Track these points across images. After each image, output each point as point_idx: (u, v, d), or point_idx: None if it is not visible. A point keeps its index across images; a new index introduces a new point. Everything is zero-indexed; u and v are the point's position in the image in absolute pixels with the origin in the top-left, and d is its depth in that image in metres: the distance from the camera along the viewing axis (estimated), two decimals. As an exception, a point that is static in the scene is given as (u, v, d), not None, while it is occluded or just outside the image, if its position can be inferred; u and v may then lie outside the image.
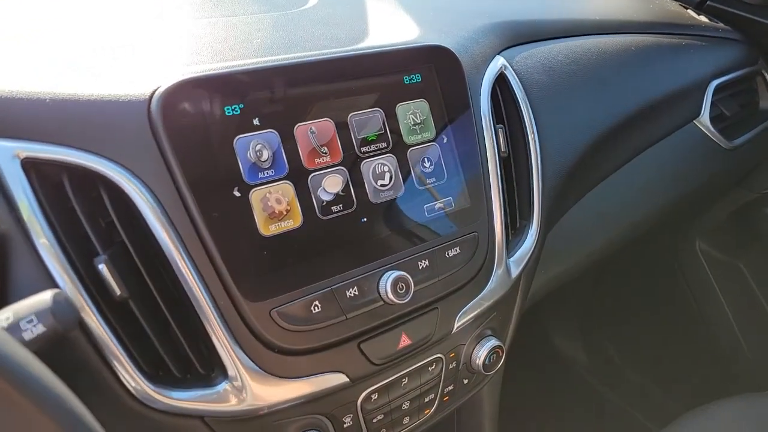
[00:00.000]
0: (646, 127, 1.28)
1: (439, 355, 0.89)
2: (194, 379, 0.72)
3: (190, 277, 0.68)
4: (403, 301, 0.79)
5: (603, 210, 1.26)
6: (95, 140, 0.66)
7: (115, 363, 0.66)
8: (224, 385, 0.71)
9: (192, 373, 0.72)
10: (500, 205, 0.94)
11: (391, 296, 0.78)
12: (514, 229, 1.02)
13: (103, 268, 0.65)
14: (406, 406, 0.89)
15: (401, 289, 0.79)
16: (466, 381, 0.97)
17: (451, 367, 0.92)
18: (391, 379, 0.85)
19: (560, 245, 1.17)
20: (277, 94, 0.75)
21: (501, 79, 1.02)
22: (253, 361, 0.72)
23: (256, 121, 0.73)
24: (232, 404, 0.71)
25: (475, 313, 0.91)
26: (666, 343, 2.21)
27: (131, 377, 0.67)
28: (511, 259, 0.97)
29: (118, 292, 0.66)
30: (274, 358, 0.73)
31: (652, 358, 2.23)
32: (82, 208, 0.67)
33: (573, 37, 1.23)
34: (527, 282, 1.04)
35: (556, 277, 1.22)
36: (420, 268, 0.83)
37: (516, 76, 1.04)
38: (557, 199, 1.09)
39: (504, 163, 1.00)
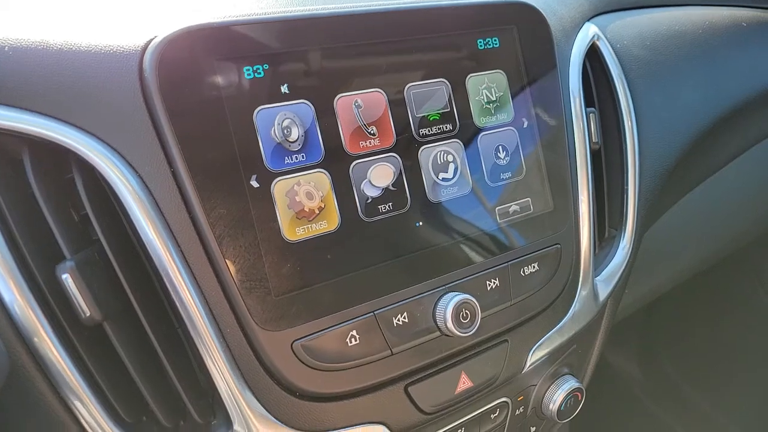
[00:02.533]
0: (760, 118, 1.05)
1: (504, 400, 0.70)
2: (188, 430, 0.54)
3: (187, 294, 0.51)
4: (467, 333, 0.60)
5: (702, 217, 1.04)
6: (67, 104, 0.49)
7: (78, 406, 0.49)
8: None
9: (186, 421, 0.55)
10: (589, 208, 0.74)
11: (451, 326, 0.59)
12: (602, 240, 0.82)
13: (67, 278, 0.48)
14: (460, 461, 0.70)
15: (465, 318, 0.60)
16: (533, 429, 0.78)
17: (518, 413, 0.73)
18: (444, 430, 0.66)
19: (649, 259, 0.96)
20: (313, 55, 0.56)
21: (592, 52, 0.82)
22: (265, 409, 0.54)
23: (284, 89, 0.55)
24: (236, 464, 0.54)
25: (553, 346, 0.71)
26: (739, 368, 1.97)
27: (100, 427, 0.50)
28: (599, 278, 0.77)
29: (86, 312, 0.49)
30: (294, 405, 0.55)
31: (720, 383, 2.00)
32: (46, 195, 0.49)
33: (675, 6, 1.00)
34: (614, 307, 0.84)
35: (640, 299, 1.01)
36: (488, 289, 0.64)
37: (611, 49, 0.83)
38: (653, 204, 0.88)
39: (594, 157, 0.79)
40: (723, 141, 1.00)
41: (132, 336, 0.52)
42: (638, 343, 2.17)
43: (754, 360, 1.98)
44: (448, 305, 0.60)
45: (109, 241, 0.50)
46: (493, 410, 0.69)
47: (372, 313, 0.57)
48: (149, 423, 0.53)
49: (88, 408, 0.49)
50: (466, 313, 0.60)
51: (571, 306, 0.72)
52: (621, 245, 0.80)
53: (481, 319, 0.62)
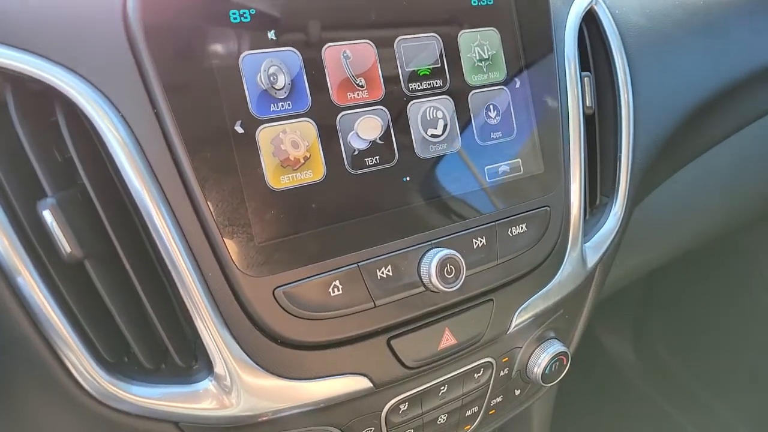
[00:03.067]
0: (760, 95, 1.03)
1: (489, 360, 0.70)
2: (169, 372, 0.55)
3: (169, 237, 0.51)
4: (451, 289, 0.60)
5: (696, 193, 1.03)
6: (51, 43, 0.49)
7: (61, 345, 0.50)
8: (207, 383, 0.54)
9: (167, 364, 0.55)
10: (580, 173, 0.73)
11: (436, 281, 0.59)
12: (593, 207, 0.81)
13: (47, 214, 0.48)
14: (442, 419, 0.70)
15: (449, 273, 0.60)
16: (518, 392, 0.78)
17: (502, 374, 0.73)
18: (426, 386, 0.66)
19: (641, 232, 0.95)
20: (301, 2, 0.56)
21: (589, 17, 0.81)
22: (247, 355, 0.54)
23: (271, 35, 0.54)
24: (216, 408, 0.54)
25: (539, 309, 0.71)
26: (736, 354, 1.97)
27: (82, 365, 0.50)
28: (588, 244, 0.77)
29: (67, 249, 0.49)
30: (275, 352, 0.55)
31: (716, 369, 2.00)
32: (29, 133, 0.49)
33: (678, -25, 0.99)
34: (603, 275, 0.84)
35: (630, 273, 1.00)
36: (475, 247, 0.64)
37: (609, 14, 0.82)
38: (646, 175, 0.87)
39: (587, 122, 0.79)
40: (721, 115, 0.99)
41: (114, 277, 0.52)
42: (633, 328, 2.17)
43: (749, 346, 1.98)
44: (432, 260, 0.59)
45: (92, 181, 0.50)
46: (477, 370, 0.69)
47: (356, 265, 0.57)
48: (130, 364, 0.53)
49: (69, 346, 0.49)
50: (450, 268, 0.60)
51: (558, 270, 0.72)
52: (612, 212, 0.80)
53: (467, 276, 0.62)
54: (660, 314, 2.15)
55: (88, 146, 0.51)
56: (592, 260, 0.77)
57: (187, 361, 0.55)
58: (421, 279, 0.60)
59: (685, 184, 1.00)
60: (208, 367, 0.54)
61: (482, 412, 0.74)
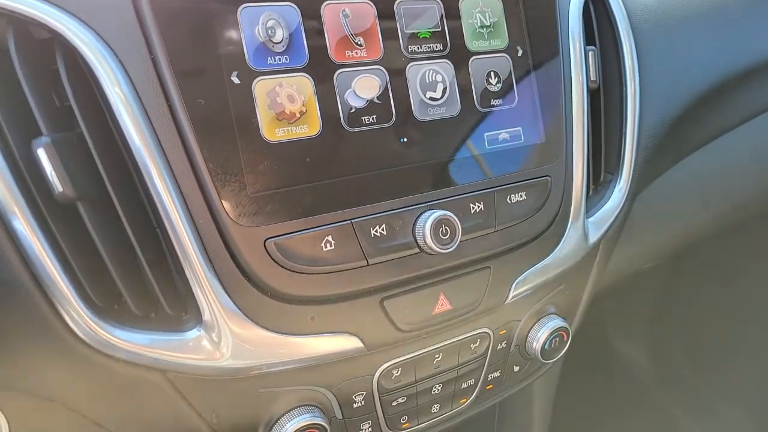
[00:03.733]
0: (774, 82, 1.01)
1: (485, 330, 0.69)
2: (159, 321, 0.54)
3: (162, 183, 0.51)
4: (446, 250, 0.59)
5: (704, 180, 1.01)
6: None
7: (51, 286, 0.50)
8: (196, 333, 0.54)
9: (158, 313, 0.55)
10: (583, 146, 0.72)
11: (430, 242, 0.59)
12: (597, 184, 0.80)
13: (42, 153, 0.49)
14: (437, 390, 0.69)
15: (444, 234, 0.59)
16: (517, 368, 0.76)
17: (500, 347, 0.72)
18: (420, 353, 0.65)
19: (646, 217, 0.93)
20: None
21: None
22: (237, 306, 0.54)
23: (270, -13, 0.55)
24: (204, 359, 0.54)
25: (538, 281, 0.70)
26: (754, 362, 1.92)
27: (71, 307, 0.50)
28: (591, 219, 0.76)
29: (59, 188, 0.49)
30: (266, 305, 0.55)
31: (732, 376, 1.95)
32: (28, 75, 0.50)
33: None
34: (606, 253, 0.82)
35: (634, 259, 0.98)
36: (472, 212, 0.63)
37: (616, -8, 0.82)
38: (653, 156, 0.86)
39: (592, 97, 0.78)
40: (731, 102, 0.98)
41: (107, 221, 0.52)
42: (646, 332, 2.13)
43: (765, 352, 1.93)
44: (427, 220, 0.59)
45: (89, 126, 0.51)
46: (473, 340, 0.68)
47: (349, 221, 0.57)
48: (120, 311, 0.53)
49: (59, 288, 0.50)
50: (446, 229, 0.60)
51: (559, 243, 0.71)
52: (617, 188, 0.78)
53: (464, 242, 0.62)
54: (675, 319, 2.11)
55: (86, 93, 0.51)
56: (594, 236, 0.75)
57: (178, 310, 0.55)
58: (415, 240, 0.60)
59: (692, 171, 0.99)
60: (198, 318, 0.54)
61: (479, 385, 0.73)
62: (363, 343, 0.59)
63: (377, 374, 0.63)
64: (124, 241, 0.52)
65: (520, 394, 0.92)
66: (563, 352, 0.75)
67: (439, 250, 0.59)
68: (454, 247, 0.59)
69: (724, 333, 1.96)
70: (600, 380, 2.09)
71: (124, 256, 0.53)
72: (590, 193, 0.79)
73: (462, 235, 0.61)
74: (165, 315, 0.55)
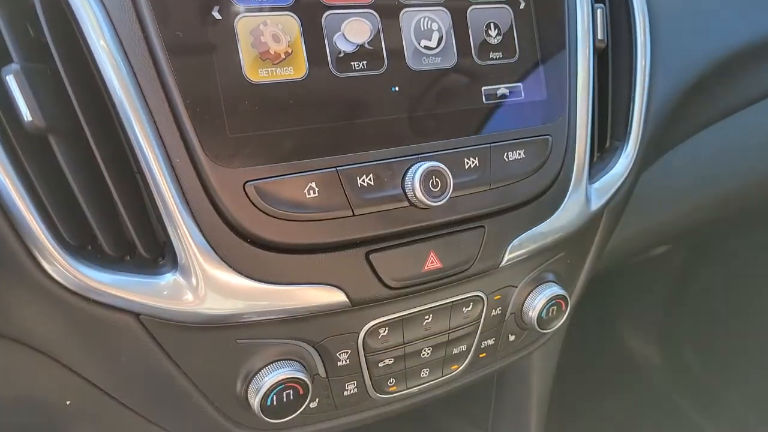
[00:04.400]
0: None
1: (479, 294, 0.66)
2: (133, 264, 0.53)
3: (137, 119, 0.49)
4: (436, 203, 0.57)
5: (716, 158, 0.97)
6: None
7: (20, 221, 0.48)
8: (172, 277, 0.52)
9: (133, 256, 0.53)
10: (588, 107, 0.69)
11: (419, 194, 0.56)
12: (602, 151, 0.77)
13: (11, 80, 0.47)
14: (426, 353, 0.67)
15: (435, 187, 0.57)
16: (512, 337, 0.74)
17: (494, 313, 0.69)
18: (408, 312, 0.63)
19: (650, 194, 0.90)
20: None
21: None
22: (214, 250, 0.52)
23: None
24: (179, 303, 0.52)
25: (536, 246, 0.67)
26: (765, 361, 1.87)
27: (41, 243, 0.49)
28: (595, 185, 0.72)
29: (28, 116, 0.47)
30: (244, 251, 0.53)
31: (746, 375, 1.90)
32: (2, 2, 0.48)
33: None
34: (610, 224, 0.79)
35: (637, 237, 0.94)
36: (466, 167, 0.61)
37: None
38: (662, 128, 0.82)
39: (600, 59, 0.75)
40: (750, 75, 0.94)
41: (80, 157, 0.50)
42: (659, 328, 2.08)
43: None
44: (417, 171, 0.56)
45: (62, 57, 0.49)
46: (465, 303, 0.66)
47: (334, 169, 0.55)
48: (94, 252, 0.52)
49: (29, 222, 0.48)
50: (436, 181, 0.57)
51: (559, 206, 0.68)
52: (624, 154, 0.75)
53: (456, 198, 0.59)
54: (689, 315, 2.05)
55: (61, 25, 0.50)
56: (597, 203, 0.72)
57: (154, 254, 0.53)
58: (404, 192, 0.57)
59: (703, 148, 0.95)
60: (174, 262, 0.52)
61: (471, 352, 0.70)
62: (348, 297, 0.57)
63: (363, 332, 0.61)
64: (98, 179, 0.51)
65: (518, 372, 0.89)
66: (561, 321, 0.72)
67: (428, 202, 0.56)
68: (444, 201, 0.57)
69: (737, 328, 1.91)
70: (609, 376, 2.05)
71: (99, 194, 0.51)
72: (595, 158, 0.75)
73: (454, 190, 0.58)
74: (141, 258, 0.53)
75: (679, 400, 1.99)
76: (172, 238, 0.51)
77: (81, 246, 0.51)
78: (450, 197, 0.58)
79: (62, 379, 0.58)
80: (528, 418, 0.91)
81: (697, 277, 1.92)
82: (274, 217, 0.52)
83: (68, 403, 0.59)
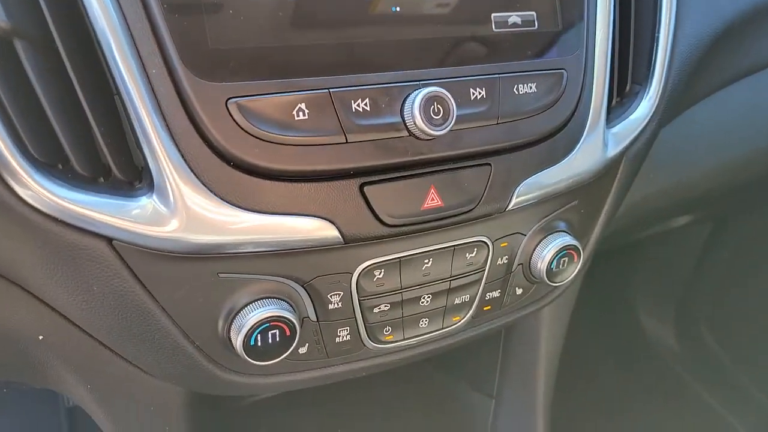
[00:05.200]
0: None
1: (483, 239, 0.62)
2: (107, 187, 0.49)
3: (110, 25, 0.45)
4: (437, 132, 0.52)
5: (744, 116, 0.90)
6: None
7: None
8: (148, 200, 0.48)
9: (107, 178, 0.49)
10: (607, 42, 0.64)
11: (419, 121, 0.51)
12: (621, 96, 0.71)
13: None
14: (425, 301, 0.62)
15: (436, 114, 0.52)
16: (519, 291, 0.69)
17: (500, 262, 0.64)
18: (406, 254, 0.58)
19: (673, 152, 0.84)
20: None
21: None
22: (193, 172, 0.48)
23: None
24: (154, 229, 0.48)
25: (547, 190, 0.62)
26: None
27: (6, 158, 0.45)
28: (613, 130, 0.67)
29: None
30: (226, 174, 0.49)
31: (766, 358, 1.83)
32: None
33: None
34: (628, 176, 0.73)
35: (658, 197, 0.88)
36: (472, 98, 0.56)
37: None
38: (686, 77, 0.77)
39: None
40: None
41: (49, 66, 0.46)
42: (676, 310, 2.02)
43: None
44: (417, 96, 0.52)
45: None
46: (469, 248, 0.61)
47: (327, 90, 0.50)
48: (65, 171, 0.48)
49: None
50: (438, 108, 0.52)
51: (573, 149, 0.63)
52: (646, 97, 0.69)
53: (461, 131, 0.55)
54: (706, 296, 1.99)
55: None
56: (615, 149, 0.67)
57: (130, 176, 0.49)
58: (403, 120, 0.53)
59: (730, 104, 0.88)
60: (152, 185, 0.48)
61: (475, 304, 0.65)
62: (340, 232, 0.53)
63: (357, 273, 0.57)
64: (69, 91, 0.47)
65: (526, 334, 0.84)
66: (573, 275, 0.67)
67: (429, 131, 0.52)
68: (446, 130, 0.52)
69: (758, 312, 1.84)
70: (628, 363, 1.99)
71: (70, 109, 0.47)
72: (613, 103, 0.70)
73: (458, 123, 0.53)
74: (116, 181, 0.49)
75: (694, 383, 1.93)
76: (147, 156, 0.47)
77: (50, 164, 0.47)
78: (453, 129, 0.53)
79: (35, 311, 0.55)
80: (535, 384, 0.87)
81: (719, 256, 1.86)
82: (258, 138, 0.48)
83: (41, 338, 0.56)
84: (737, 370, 1.89)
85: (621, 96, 0.71)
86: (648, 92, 0.70)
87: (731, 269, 1.89)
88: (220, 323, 0.54)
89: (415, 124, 0.52)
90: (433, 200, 0.56)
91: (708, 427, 1.82)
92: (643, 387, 1.96)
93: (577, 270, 0.67)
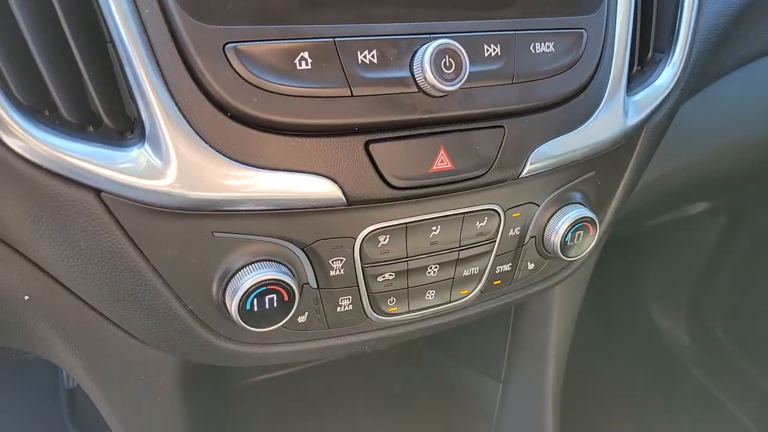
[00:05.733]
0: None
1: (494, 208, 0.58)
2: (97, 136, 0.46)
3: None
4: (449, 87, 0.49)
5: (754, 100, 0.86)
6: None
7: None
8: (139, 150, 0.45)
9: (97, 127, 0.46)
10: (629, 4, 0.61)
11: (430, 76, 0.48)
12: (643, 64, 0.68)
13: None
14: (432, 272, 0.59)
15: (448, 68, 0.49)
16: (532, 265, 0.66)
17: (512, 234, 0.61)
18: (413, 219, 0.55)
19: (693, 128, 0.80)
20: None
21: None
22: (187, 121, 0.45)
23: None
24: (145, 181, 0.45)
25: (563, 157, 0.59)
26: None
27: None
28: (634, 98, 0.64)
29: None
30: (222, 124, 0.46)
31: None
32: None
33: None
34: (648, 148, 0.70)
35: (675, 175, 0.84)
36: (485, 54, 0.53)
37: None
38: (711, 47, 0.73)
39: None
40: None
41: (37, 5, 0.43)
42: (688, 306, 1.98)
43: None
44: (427, 49, 0.49)
45: None
46: (479, 217, 0.58)
47: (331, 39, 0.47)
48: (50, 118, 0.45)
49: None
50: (450, 62, 0.49)
51: (592, 115, 0.60)
52: (668, 65, 0.66)
53: (473, 89, 0.51)
54: (720, 293, 1.95)
55: None
56: (635, 116, 0.63)
57: (120, 125, 0.46)
58: (413, 75, 0.49)
59: (758, 81, 0.84)
60: (143, 136, 0.45)
61: (484, 277, 0.62)
62: (343, 192, 0.50)
63: (360, 238, 0.54)
64: (58, 33, 0.44)
65: (536, 314, 0.81)
66: (589, 249, 0.64)
67: (440, 86, 0.48)
68: (458, 86, 0.49)
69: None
70: (639, 359, 1.96)
71: (58, 51, 0.44)
72: (634, 70, 0.67)
73: (471, 80, 0.50)
74: (106, 130, 0.46)
75: (706, 380, 1.90)
76: (138, 103, 0.44)
77: (36, 110, 0.44)
78: (465, 87, 0.50)
79: (20, 269, 0.52)
80: (545, 368, 0.84)
81: (733, 251, 1.81)
82: (257, 87, 0.45)
83: (27, 298, 0.54)
84: (750, 367, 1.85)
85: (642, 65, 0.68)
86: (671, 60, 0.67)
87: (746, 264, 1.85)
88: (215, 286, 0.51)
89: (425, 78, 0.49)
90: (442, 162, 0.53)
91: (720, 424, 1.78)
92: (653, 383, 1.93)
93: (592, 244, 0.63)
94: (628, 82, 0.63)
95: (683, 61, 0.67)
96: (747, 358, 1.85)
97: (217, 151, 0.46)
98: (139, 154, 0.45)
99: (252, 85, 0.45)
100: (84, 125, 0.45)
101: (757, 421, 1.74)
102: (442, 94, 0.50)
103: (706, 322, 1.95)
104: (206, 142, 0.45)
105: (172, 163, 0.45)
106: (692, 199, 1.17)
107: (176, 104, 0.44)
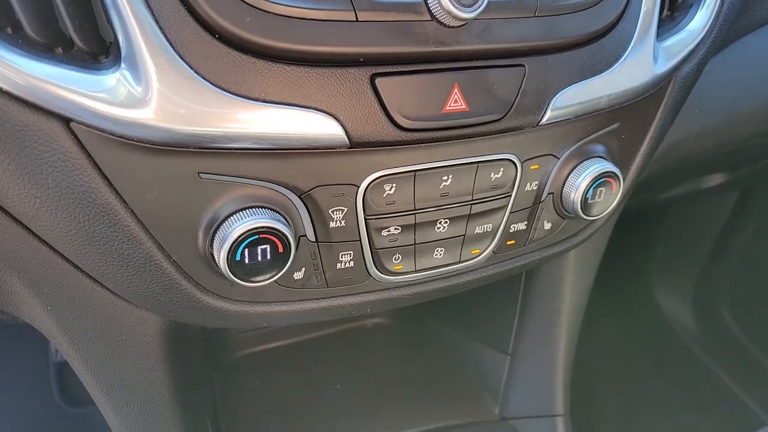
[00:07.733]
0: None
1: (511, 158, 0.53)
2: (67, 57, 0.40)
3: None
4: (466, 14, 0.43)
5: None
6: None
7: None
8: (113, 74, 0.40)
9: (67, 49, 0.41)
10: None
11: (447, 1, 0.43)
12: (672, 10, 0.62)
13: None
14: (442, 227, 0.54)
15: (465, -7, 0.43)
16: (548, 225, 0.60)
17: (528, 188, 0.56)
18: (422, 166, 0.50)
19: (720, 85, 0.75)
20: None
21: None
22: (170, 43, 0.40)
23: None
24: (120, 109, 0.40)
25: (586, 105, 0.53)
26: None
27: None
28: (664, 44, 0.58)
29: None
30: (211, 48, 0.40)
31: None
32: None
33: None
34: (677, 99, 0.64)
35: (700, 134, 0.79)
36: None
37: None
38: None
39: None
40: None
41: None
42: (694, 288, 1.94)
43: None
44: (443, -28, 0.43)
45: None
46: (494, 167, 0.53)
47: None
48: (14, 36, 0.39)
49: None
50: (468, -12, 0.44)
51: (619, 58, 0.54)
52: (701, 9, 0.60)
53: (492, 20, 0.46)
54: (727, 275, 1.91)
55: None
56: (665, 64, 0.58)
57: (93, 47, 0.41)
58: (426, 1, 0.44)
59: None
60: (117, 56, 0.40)
61: (498, 235, 0.57)
62: (345, 132, 0.44)
63: (364, 185, 0.48)
64: None
65: (549, 281, 0.76)
66: (611, 208, 0.58)
67: (456, 11, 0.43)
68: (476, 13, 0.43)
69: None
70: (643, 343, 1.93)
71: None
72: (663, 14, 0.61)
73: (490, 11, 0.45)
74: (77, 53, 0.41)
75: (713, 365, 1.87)
76: (113, 21, 0.39)
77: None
78: (483, 17, 0.45)
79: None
80: (556, 340, 0.79)
81: (743, 231, 1.77)
82: (249, 4, 0.40)
83: (-9, 244, 0.49)
84: (758, 351, 1.82)
85: (673, 9, 0.62)
86: (704, 3, 0.61)
87: (754, 246, 1.81)
88: (201, 234, 0.46)
89: (440, 4, 0.43)
90: (456, 103, 0.48)
91: (726, 409, 1.76)
92: (659, 368, 1.90)
93: (615, 203, 0.58)
94: (658, 26, 0.58)
95: (716, 6, 0.62)
96: (753, 342, 1.83)
97: (203, 78, 0.40)
98: (114, 79, 0.40)
99: (243, 1, 0.40)
100: (52, 46, 0.40)
101: (763, 404, 1.72)
102: (458, 23, 0.45)
103: (713, 306, 1.92)
104: (191, 68, 0.40)
105: (151, 89, 0.39)
106: (713, 167, 1.12)
107: (156, 21, 0.39)
